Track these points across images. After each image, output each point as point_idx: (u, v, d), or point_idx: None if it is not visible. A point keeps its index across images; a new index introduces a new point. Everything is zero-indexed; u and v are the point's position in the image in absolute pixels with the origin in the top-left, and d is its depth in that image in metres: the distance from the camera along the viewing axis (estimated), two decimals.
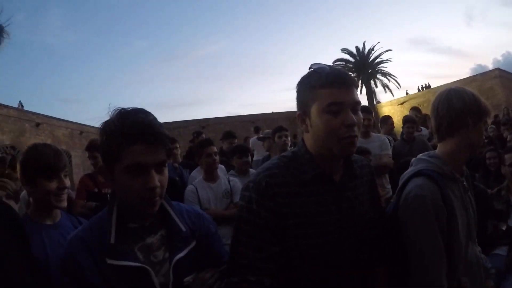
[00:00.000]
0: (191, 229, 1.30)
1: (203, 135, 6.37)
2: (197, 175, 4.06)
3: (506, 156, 3.15)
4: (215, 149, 3.79)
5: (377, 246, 1.43)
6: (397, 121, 9.38)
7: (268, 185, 1.24)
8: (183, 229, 1.26)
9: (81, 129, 23.19)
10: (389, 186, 4.35)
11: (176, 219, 1.27)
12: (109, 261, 1.12)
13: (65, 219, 1.88)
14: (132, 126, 1.12)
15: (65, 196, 1.78)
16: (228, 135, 6.17)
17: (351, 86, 1.26)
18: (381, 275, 1.49)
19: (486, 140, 5.22)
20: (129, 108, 1.18)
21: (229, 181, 3.77)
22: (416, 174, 1.55)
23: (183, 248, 1.24)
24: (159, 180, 1.15)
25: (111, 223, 1.18)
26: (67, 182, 1.78)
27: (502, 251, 2.84)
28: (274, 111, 30.84)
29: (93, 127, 23.52)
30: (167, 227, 1.26)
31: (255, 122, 23.78)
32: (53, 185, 1.71)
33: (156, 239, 1.23)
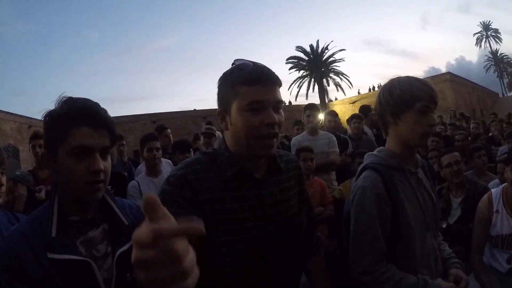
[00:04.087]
0: (134, 224, 1.26)
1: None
2: (143, 168, 4.00)
3: (442, 159, 3.25)
4: (157, 144, 3.74)
5: (307, 239, 1.48)
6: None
7: (188, 180, 1.23)
8: (126, 222, 1.24)
9: (30, 123, 22.17)
10: (335, 183, 4.38)
11: (119, 212, 1.25)
12: (50, 255, 1.07)
13: (1, 215, 1.85)
14: (79, 109, 1.13)
15: (1, 194, 1.76)
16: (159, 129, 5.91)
17: (274, 84, 1.24)
18: (318, 263, 1.59)
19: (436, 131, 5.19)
20: (76, 97, 1.19)
21: None
22: (363, 168, 1.61)
23: (126, 242, 1.20)
24: (103, 165, 1.15)
25: (52, 215, 1.15)
26: (2, 180, 1.76)
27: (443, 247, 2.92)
28: None
29: (42, 121, 22.38)
30: (109, 221, 1.24)
31: (207, 117, 23.67)
32: None
33: (98, 233, 1.21)
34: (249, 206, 1.27)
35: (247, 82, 1.20)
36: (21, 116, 22.11)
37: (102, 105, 1.21)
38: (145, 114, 28.56)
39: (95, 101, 1.21)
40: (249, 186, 1.29)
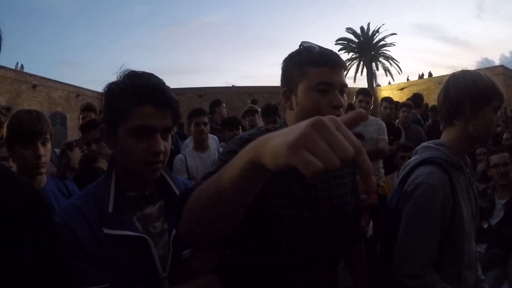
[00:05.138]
0: None
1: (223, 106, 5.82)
2: (190, 143, 4.01)
3: (491, 158, 3.17)
4: (204, 119, 3.73)
5: (351, 227, 1.47)
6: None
7: (248, 140, 1.17)
8: None
9: (78, 91, 23.12)
10: (382, 171, 4.29)
11: (176, 190, 1.23)
12: (106, 231, 1.06)
13: (51, 183, 1.84)
14: (143, 86, 1.09)
15: (43, 164, 1.74)
16: (214, 104, 5.75)
17: (341, 68, 1.27)
18: (359, 255, 1.61)
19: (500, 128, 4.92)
20: (139, 71, 1.15)
21: (219, 152, 3.69)
22: (423, 162, 1.49)
23: None
24: (164, 146, 1.11)
25: (109, 190, 1.13)
26: (43, 150, 1.74)
27: (481, 248, 2.89)
28: (272, 85, 30.59)
29: (90, 90, 23.61)
30: (165, 197, 1.22)
31: (252, 94, 23.60)
32: (27, 153, 1.69)
33: (155, 209, 1.19)
34: (304, 185, 1.27)
35: (316, 63, 1.22)
36: (69, 85, 22.98)
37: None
38: (192, 87, 28.91)
39: (159, 77, 1.16)
40: None
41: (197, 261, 1.17)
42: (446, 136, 1.54)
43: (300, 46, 1.30)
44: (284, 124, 1.33)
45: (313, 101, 1.22)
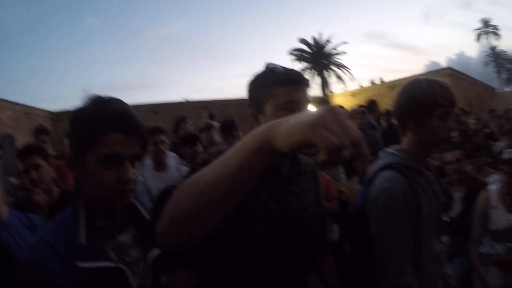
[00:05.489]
0: None
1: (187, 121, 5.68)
2: (148, 163, 3.86)
3: (445, 156, 3.38)
4: (161, 137, 3.63)
5: (320, 239, 1.57)
6: None
7: None
8: None
9: (28, 110, 21.76)
10: (343, 176, 4.36)
11: (147, 216, 1.21)
12: (81, 264, 1.02)
13: (13, 216, 1.70)
14: (111, 113, 1.07)
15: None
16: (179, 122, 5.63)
17: (305, 85, 1.34)
18: (329, 265, 1.66)
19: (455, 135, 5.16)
20: (106, 96, 1.13)
21: (179, 170, 3.63)
22: (384, 167, 1.57)
23: (156, 245, 1.13)
24: (133, 173, 1.10)
25: (80, 221, 1.09)
26: None
27: (446, 240, 3.11)
28: (227, 98, 30.62)
29: (40, 109, 22.38)
30: (136, 225, 1.21)
31: (208, 107, 23.51)
32: None
33: (128, 237, 1.17)
34: (276, 199, 1.33)
35: (282, 83, 1.28)
36: (18, 104, 21.54)
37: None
38: (146, 104, 28.41)
39: (126, 103, 1.14)
40: (276, 181, 1.36)
41: (175, 285, 1.14)
42: (404, 142, 1.63)
43: (265, 67, 1.36)
44: None
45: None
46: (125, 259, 1.12)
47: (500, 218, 2.71)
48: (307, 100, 1.32)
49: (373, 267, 1.51)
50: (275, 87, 1.29)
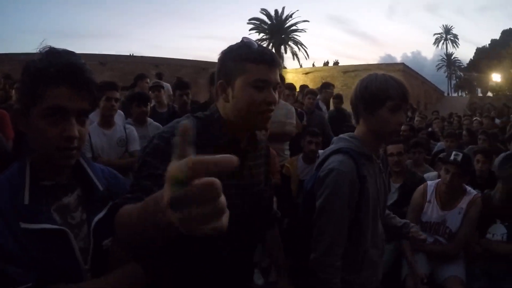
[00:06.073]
0: (108, 189, 1.21)
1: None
2: (95, 118, 3.65)
3: (388, 147, 3.51)
4: (117, 94, 3.49)
5: (268, 214, 1.64)
6: (298, 88, 9.74)
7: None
8: (101, 188, 1.18)
9: None
10: (288, 153, 4.48)
11: (94, 177, 1.18)
12: (23, 225, 0.98)
13: None
14: (61, 66, 1.02)
15: None
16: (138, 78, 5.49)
17: (278, 66, 1.34)
18: (274, 238, 1.74)
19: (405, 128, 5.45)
20: (59, 48, 1.08)
21: (125, 129, 3.54)
22: (336, 151, 1.65)
23: (102, 208, 1.14)
24: (79, 131, 1.05)
25: (24, 180, 1.04)
26: None
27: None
28: (180, 57, 29.66)
29: None
30: (82, 186, 1.17)
31: (159, 66, 22.73)
32: None
33: (73, 199, 1.13)
34: (232, 173, 1.31)
35: (255, 60, 1.27)
36: None
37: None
38: (94, 53, 26.84)
39: (79, 56, 1.09)
40: (235, 155, 1.33)
41: (119, 250, 1.13)
42: (358, 130, 1.72)
43: (241, 41, 1.34)
44: (217, 113, 1.36)
45: (249, 96, 1.27)
46: (68, 221, 1.09)
47: (432, 212, 2.91)
48: (277, 82, 1.32)
49: (308, 241, 1.63)
50: (248, 63, 1.28)
